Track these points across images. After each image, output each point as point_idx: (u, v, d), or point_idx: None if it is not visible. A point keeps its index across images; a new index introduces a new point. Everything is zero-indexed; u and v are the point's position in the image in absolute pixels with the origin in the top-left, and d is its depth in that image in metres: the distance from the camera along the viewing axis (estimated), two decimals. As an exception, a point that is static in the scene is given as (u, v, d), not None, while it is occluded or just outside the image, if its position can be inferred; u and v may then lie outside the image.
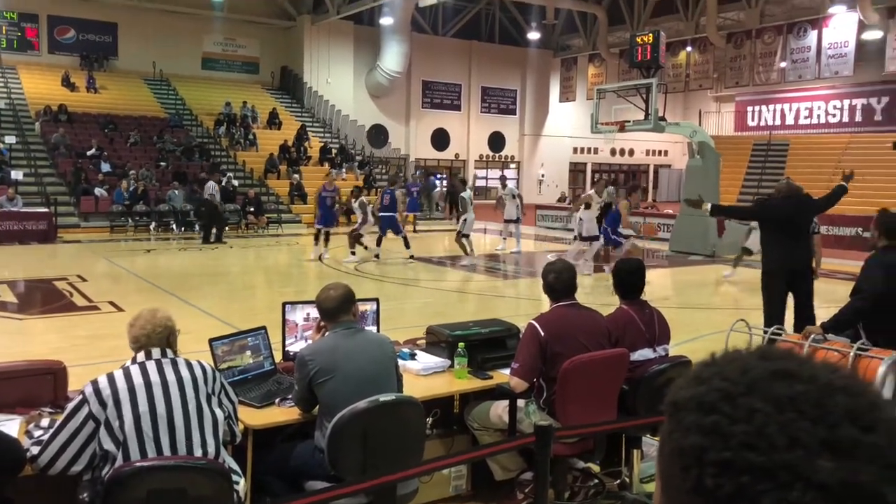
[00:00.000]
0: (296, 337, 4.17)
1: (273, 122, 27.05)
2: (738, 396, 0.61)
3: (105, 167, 20.82)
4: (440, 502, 3.99)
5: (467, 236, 14.50)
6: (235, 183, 21.45)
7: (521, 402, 3.86)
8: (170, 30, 27.67)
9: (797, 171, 24.58)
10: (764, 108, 34.06)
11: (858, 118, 30.58)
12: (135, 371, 2.79)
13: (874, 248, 4.88)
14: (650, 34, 16.92)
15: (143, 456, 2.69)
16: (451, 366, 4.13)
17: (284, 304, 4.18)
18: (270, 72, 30.60)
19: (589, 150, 37.75)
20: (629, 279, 4.33)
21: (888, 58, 23.00)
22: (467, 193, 15.07)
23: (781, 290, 6.42)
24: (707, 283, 12.31)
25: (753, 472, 0.57)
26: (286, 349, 4.15)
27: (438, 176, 31.29)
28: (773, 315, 6.26)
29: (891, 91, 29.20)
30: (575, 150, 37.81)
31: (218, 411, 2.91)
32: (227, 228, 18.06)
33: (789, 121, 33.02)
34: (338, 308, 3.40)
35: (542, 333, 3.78)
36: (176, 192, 19.79)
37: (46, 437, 2.77)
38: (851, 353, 4.17)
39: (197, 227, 18.63)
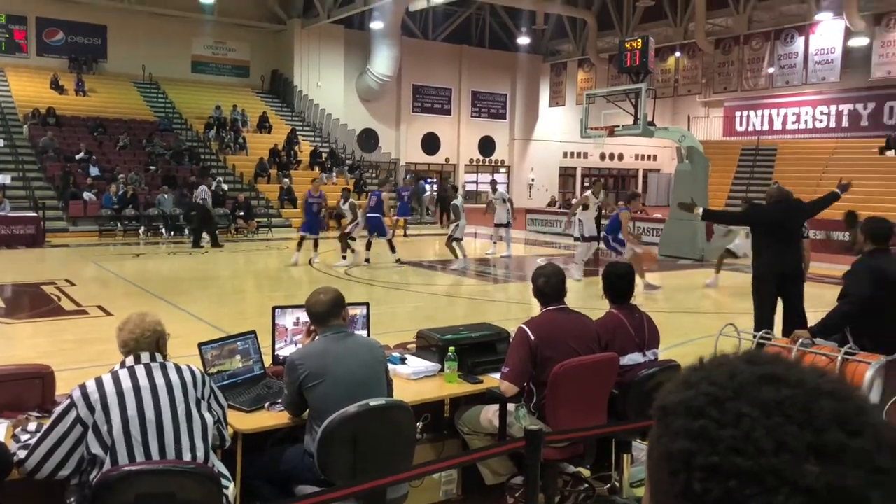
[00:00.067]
0: (285, 341, 4.16)
1: (263, 125, 27.00)
2: (725, 401, 0.61)
3: (94, 171, 20.71)
4: (430, 507, 3.98)
5: (459, 240, 14.51)
6: (225, 187, 21.39)
7: (511, 407, 3.86)
8: (159, 32, 27.58)
9: (785, 175, 24.74)
10: (752, 113, 34.29)
11: (845, 124, 30.84)
12: (123, 375, 2.78)
13: (860, 252, 4.92)
14: (639, 40, 16.98)
15: (132, 460, 2.67)
16: (442, 370, 4.12)
17: (274, 308, 4.17)
18: (260, 75, 30.54)
19: (579, 154, 37.88)
20: (618, 283, 4.34)
21: (874, 64, 23.20)
22: (459, 200, 15.08)
23: (772, 294, 6.46)
24: (696, 287, 12.36)
25: (741, 477, 0.58)
26: (276, 353, 4.14)
27: (428, 180, 31.29)
28: (763, 319, 6.30)
29: (877, 97, 29.46)
30: (565, 154, 37.93)
31: (207, 416, 2.89)
32: (217, 233, 18.00)
33: (777, 126, 33.26)
34: (328, 312, 3.39)
35: (533, 337, 3.79)
36: (165, 196, 19.71)
37: (33, 441, 2.75)
38: (839, 358, 4.19)
39: (187, 232, 18.55)
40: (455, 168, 35.40)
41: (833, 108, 31.33)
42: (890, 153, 25.58)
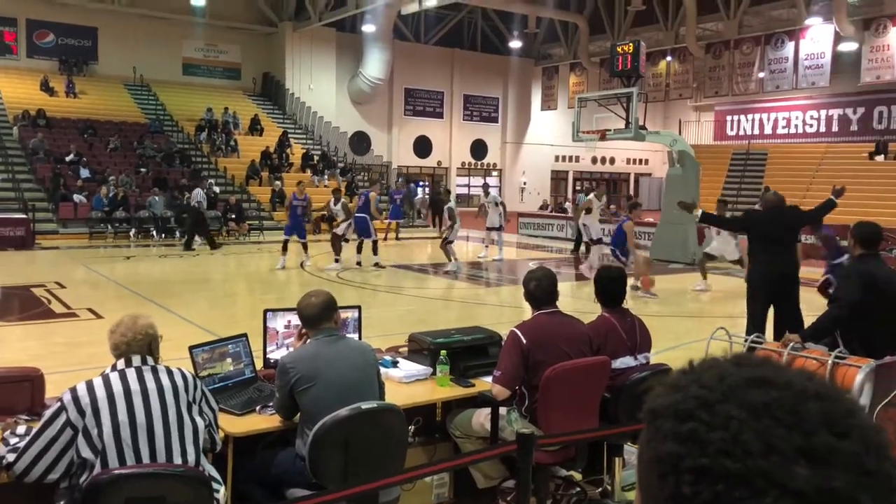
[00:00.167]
0: (277, 344, 4.15)
1: (255, 128, 26.94)
2: (714, 404, 0.61)
3: (84, 173, 20.61)
4: (422, 510, 3.98)
5: (451, 242, 14.51)
6: (217, 189, 21.32)
7: (503, 410, 3.86)
8: (150, 35, 27.49)
9: (775, 179, 24.89)
10: (743, 117, 34.47)
11: (835, 128, 31.04)
12: (114, 378, 2.77)
13: (850, 256, 4.95)
14: (630, 44, 17.06)
15: (122, 464, 2.66)
16: (434, 373, 4.12)
17: (266, 311, 4.16)
18: (252, 78, 30.48)
19: (570, 158, 37.95)
20: (611, 287, 4.35)
21: (864, 69, 23.35)
22: (453, 203, 15.08)
23: (766, 299, 6.50)
24: (688, 291, 12.40)
25: (729, 480, 0.58)
26: (267, 356, 4.13)
27: (420, 183, 31.29)
28: (755, 323, 6.33)
29: (866, 102, 29.67)
30: (556, 158, 38.00)
31: (198, 419, 2.88)
32: (212, 235, 17.95)
33: (767, 130, 33.45)
34: (319, 315, 3.39)
35: (524, 341, 3.79)
36: (156, 198, 19.64)
37: (23, 444, 2.74)
38: (829, 362, 4.21)
39: (178, 234, 18.48)
40: (447, 171, 35.41)
41: (823, 112, 31.53)
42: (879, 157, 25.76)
